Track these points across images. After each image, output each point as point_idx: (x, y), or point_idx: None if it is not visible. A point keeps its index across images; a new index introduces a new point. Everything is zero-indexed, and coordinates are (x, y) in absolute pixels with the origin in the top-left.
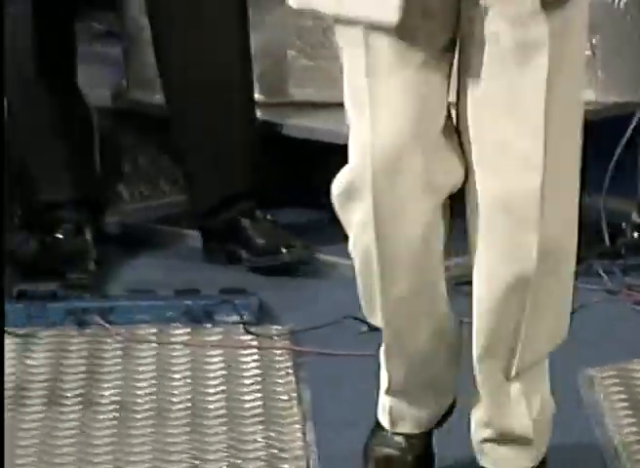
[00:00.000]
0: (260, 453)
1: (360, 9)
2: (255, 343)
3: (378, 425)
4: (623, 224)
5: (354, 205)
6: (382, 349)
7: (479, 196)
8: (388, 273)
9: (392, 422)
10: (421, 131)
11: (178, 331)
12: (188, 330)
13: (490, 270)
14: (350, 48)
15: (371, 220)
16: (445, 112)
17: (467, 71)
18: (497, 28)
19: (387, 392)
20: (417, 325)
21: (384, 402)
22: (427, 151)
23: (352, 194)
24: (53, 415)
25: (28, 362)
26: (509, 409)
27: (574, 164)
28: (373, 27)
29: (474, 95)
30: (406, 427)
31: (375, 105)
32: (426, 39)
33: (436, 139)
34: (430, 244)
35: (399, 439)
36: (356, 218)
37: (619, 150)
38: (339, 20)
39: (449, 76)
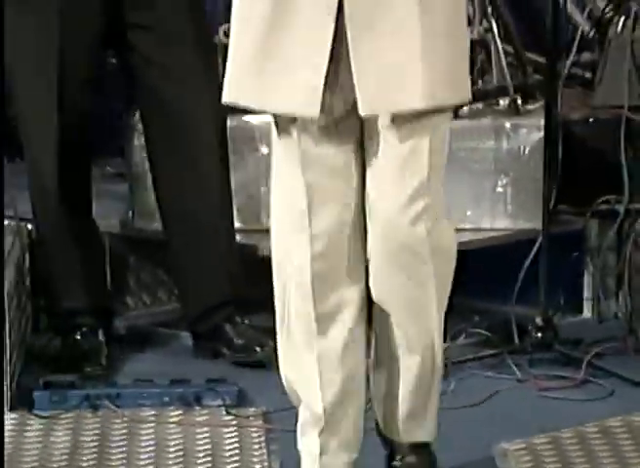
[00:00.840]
0: None
1: (283, 104)
2: (234, 423)
3: None
4: (529, 326)
5: None
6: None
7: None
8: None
9: None
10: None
11: (172, 414)
12: (181, 412)
13: None
14: (282, 140)
15: None
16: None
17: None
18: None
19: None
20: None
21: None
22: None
23: None
24: None
25: (51, 439)
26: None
27: None
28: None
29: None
30: None
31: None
32: (345, 131)
33: None
34: None
35: None
36: None
37: (525, 267)
38: (276, 123)
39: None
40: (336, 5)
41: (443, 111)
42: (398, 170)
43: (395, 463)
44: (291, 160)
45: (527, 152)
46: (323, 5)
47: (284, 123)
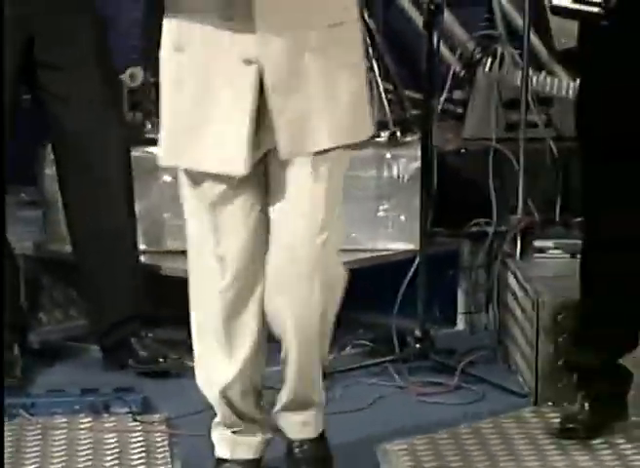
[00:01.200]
0: None
1: (212, 164)
2: (140, 428)
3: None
4: (409, 338)
5: None
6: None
7: None
8: None
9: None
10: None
11: (83, 421)
12: (91, 419)
13: None
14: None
15: None
16: None
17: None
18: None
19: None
20: None
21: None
22: None
23: None
24: None
25: None
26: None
27: None
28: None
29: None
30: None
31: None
32: (254, 182)
33: None
34: None
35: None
36: None
37: (405, 284)
38: (189, 174)
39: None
40: (256, 83)
41: (345, 148)
42: (306, 202)
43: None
44: (201, 202)
45: (405, 180)
46: (246, 82)
47: (200, 176)
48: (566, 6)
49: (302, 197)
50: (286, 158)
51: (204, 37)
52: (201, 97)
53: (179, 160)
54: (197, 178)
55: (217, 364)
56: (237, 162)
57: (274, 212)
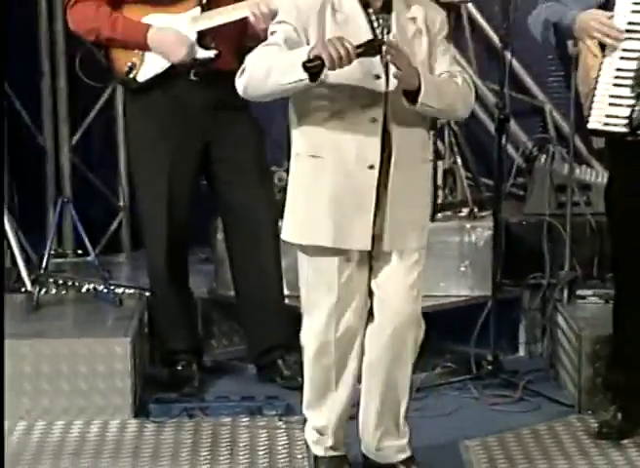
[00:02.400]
0: None
1: (350, 243)
2: (284, 426)
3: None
4: (483, 362)
5: None
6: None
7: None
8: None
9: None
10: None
11: (242, 420)
12: (248, 419)
13: None
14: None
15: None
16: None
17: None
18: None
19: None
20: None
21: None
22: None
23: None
24: None
25: (161, 437)
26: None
27: None
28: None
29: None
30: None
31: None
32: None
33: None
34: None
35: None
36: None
37: (480, 321)
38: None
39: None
40: (375, 186)
41: (423, 248)
42: (401, 280)
43: None
44: (325, 277)
45: (481, 244)
46: (368, 184)
47: (327, 252)
48: (596, 129)
49: (399, 278)
50: (387, 249)
51: (332, 144)
52: (332, 194)
53: (317, 238)
54: (323, 254)
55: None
56: (366, 241)
57: (376, 286)
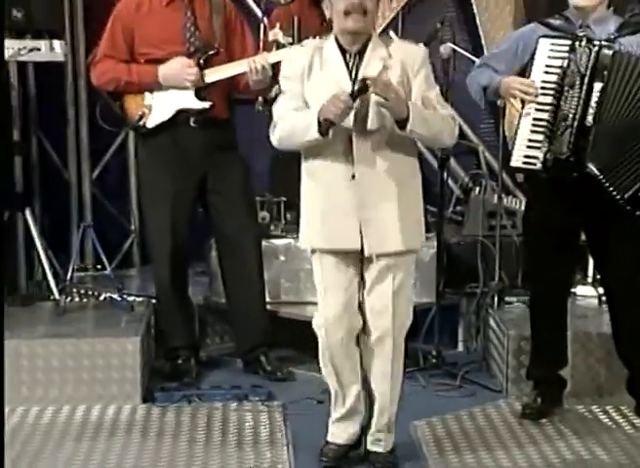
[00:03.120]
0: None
1: (340, 243)
2: (266, 410)
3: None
4: (429, 356)
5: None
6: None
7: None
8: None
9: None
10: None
11: (232, 405)
12: (236, 404)
13: None
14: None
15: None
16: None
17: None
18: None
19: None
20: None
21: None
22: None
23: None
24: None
25: (165, 419)
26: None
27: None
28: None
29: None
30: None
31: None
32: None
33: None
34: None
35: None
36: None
37: (427, 323)
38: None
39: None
40: (356, 208)
41: (412, 252)
42: (386, 289)
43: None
44: (324, 273)
45: (427, 260)
46: (353, 213)
47: (323, 253)
48: (518, 166)
49: (384, 288)
50: (367, 255)
51: (326, 168)
52: (323, 208)
53: (315, 242)
54: (320, 254)
55: None
56: (356, 241)
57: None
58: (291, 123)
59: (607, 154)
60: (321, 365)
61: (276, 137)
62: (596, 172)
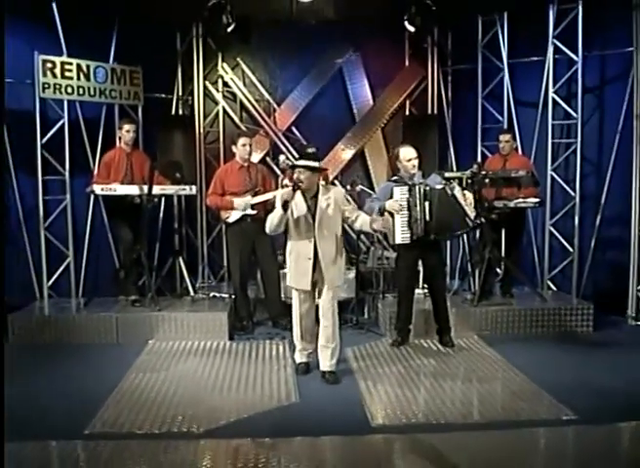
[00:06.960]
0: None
1: (298, 283)
2: (282, 344)
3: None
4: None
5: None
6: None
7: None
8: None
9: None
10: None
11: (266, 341)
12: (269, 341)
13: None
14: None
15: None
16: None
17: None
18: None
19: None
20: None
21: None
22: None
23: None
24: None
25: (238, 348)
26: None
27: None
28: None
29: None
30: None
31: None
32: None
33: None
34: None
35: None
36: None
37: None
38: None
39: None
40: (313, 252)
41: (339, 286)
42: (328, 299)
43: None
44: (295, 299)
45: (351, 278)
46: (310, 253)
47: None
48: (399, 242)
49: (328, 301)
50: (327, 288)
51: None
52: (295, 258)
53: (292, 284)
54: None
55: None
56: (308, 284)
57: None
58: (271, 217)
59: (437, 230)
60: (294, 324)
61: (267, 228)
62: (433, 237)
